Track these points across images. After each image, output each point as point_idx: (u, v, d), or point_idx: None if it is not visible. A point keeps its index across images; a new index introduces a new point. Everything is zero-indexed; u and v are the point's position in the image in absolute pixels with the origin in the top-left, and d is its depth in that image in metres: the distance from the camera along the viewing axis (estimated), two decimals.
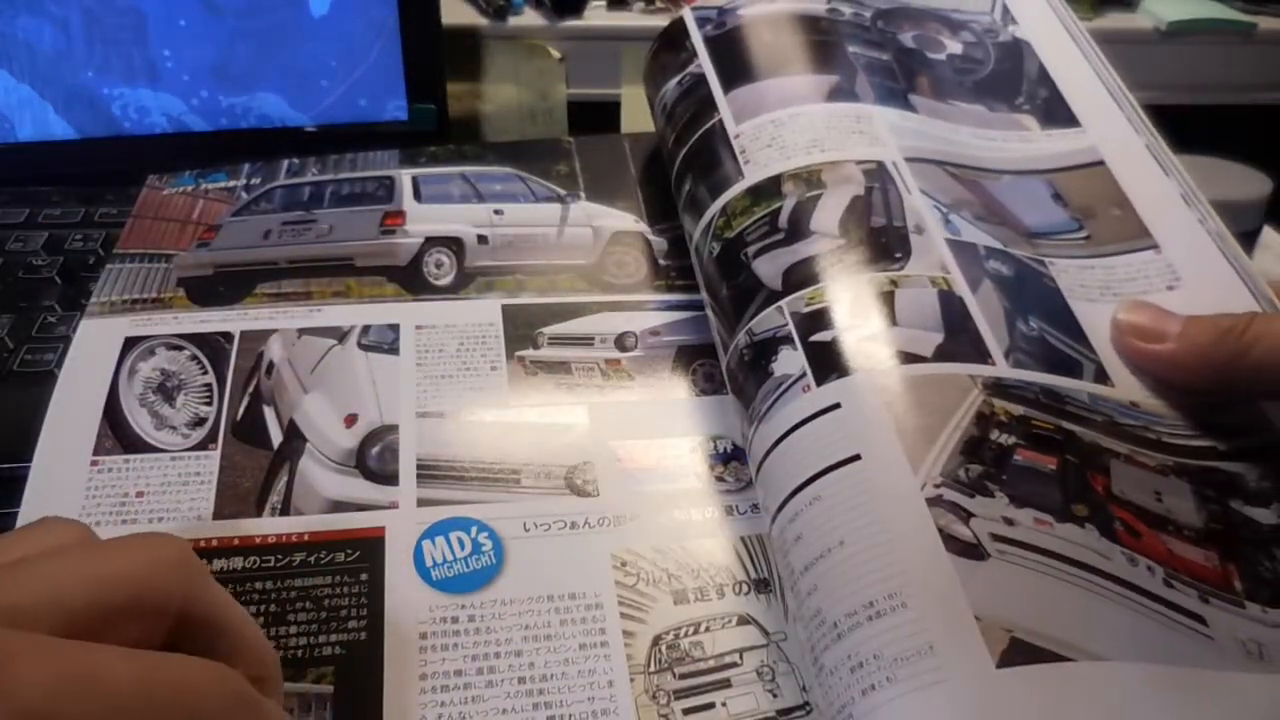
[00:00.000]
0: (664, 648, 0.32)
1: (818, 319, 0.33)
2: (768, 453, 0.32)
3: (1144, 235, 0.37)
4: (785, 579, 0.30)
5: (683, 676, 0.31)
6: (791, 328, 0.33)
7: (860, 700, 0.26)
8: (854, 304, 0.33)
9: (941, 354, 0.31)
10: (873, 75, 0.41)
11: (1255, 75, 0.98)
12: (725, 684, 0.31)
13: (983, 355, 0.32)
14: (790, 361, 0.32)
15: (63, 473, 0.35)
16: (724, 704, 0.31)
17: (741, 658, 0.32)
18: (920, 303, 0.33)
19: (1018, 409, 0.31)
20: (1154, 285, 0.36)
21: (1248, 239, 0.60)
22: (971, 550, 0.27)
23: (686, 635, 0.32)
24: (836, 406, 0.31)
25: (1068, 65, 0.43)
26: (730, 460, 0.37)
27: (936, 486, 0.28)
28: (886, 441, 0.29)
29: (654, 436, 0.37)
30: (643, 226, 0.46)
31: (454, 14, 0.82)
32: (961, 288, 0.33)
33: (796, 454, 0.31)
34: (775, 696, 0.31)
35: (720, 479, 0.36)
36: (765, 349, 0.33)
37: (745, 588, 0.33)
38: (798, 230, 0.35)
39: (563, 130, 0.75)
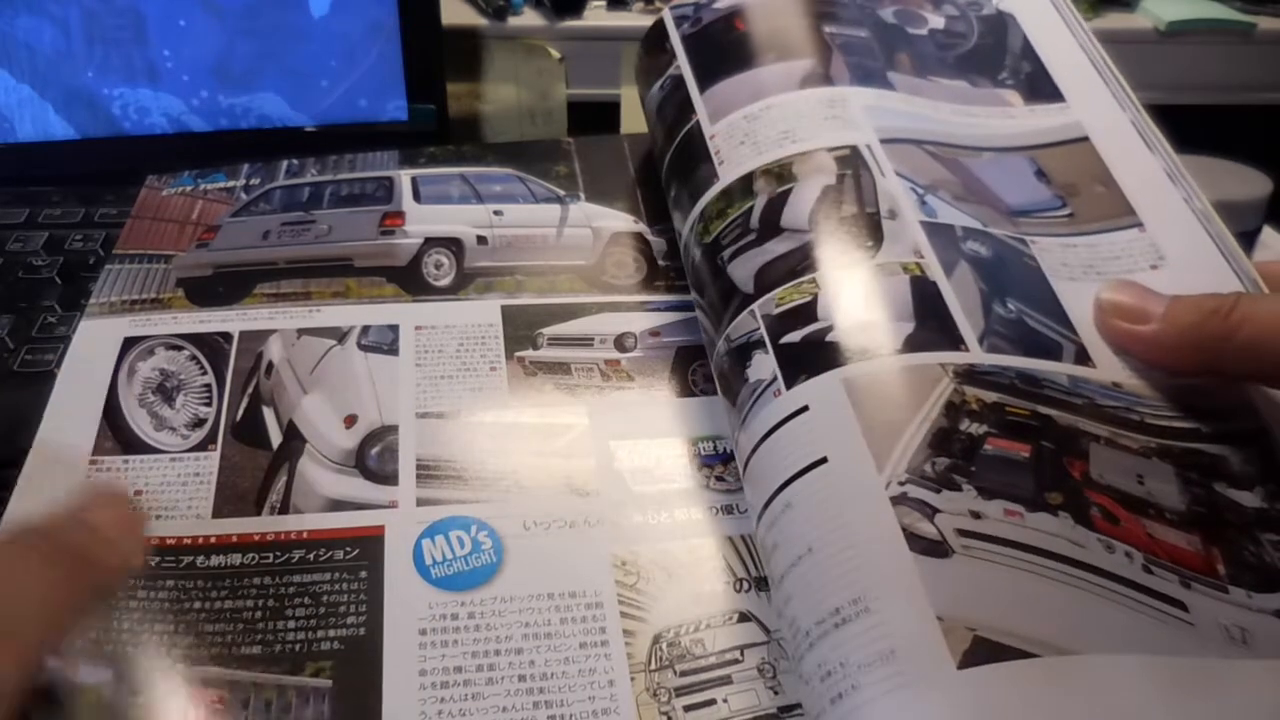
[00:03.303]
0: (664, 645, 0.32)
1: (786, 320, 0.32)
2: (749, 458, 0.32)
3: (1128, 213, 0.36)
4: (771, 586, 0.30)
5: (684, 674, 0.31)
6: (763, 331, 0.32)
7: (830, 709, 0.25)
8: (821, 300, 0.32)
9: (911, 344, 0.31)
10: (850, 55, 0.40)
11: (1255, 75, 0.98)
12: (726, 681, 0.31)
13: (955, 342, 0.31)
14: (762, 366, 0.32)
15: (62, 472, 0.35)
16: (725, 701, 0.30)
17: (742, 654, 0.32)
18: (890, 292, 0.32)
19: (991, 396, 0.30)
20: (1138, 264, 0.35)
21: (1248, 239, 0.60)
22: (935, 548, 0.27)
23: (687, 633, 0.32)
24: (805, 409, 0.30)
25: (1053, 39, 0.42)
26: (729, 460, 0.37)
27: (901, 484, 0.28)
28: (852, 441, 0.29)
29: (653, 436, 0.37)
30: (642, 227, 0.46)
31: (454, 14, 0.82)
32: (936, 272, 0.33)
33: (772, 459, 0.30)
34: (776, 693, 0.31)
35: (720, 478, 0.36)
36: (742, 354, 0.33)
37: (745, 585, 0.33)
38: (769, 229, 0.35)
39: (562, 130, 0.75)
